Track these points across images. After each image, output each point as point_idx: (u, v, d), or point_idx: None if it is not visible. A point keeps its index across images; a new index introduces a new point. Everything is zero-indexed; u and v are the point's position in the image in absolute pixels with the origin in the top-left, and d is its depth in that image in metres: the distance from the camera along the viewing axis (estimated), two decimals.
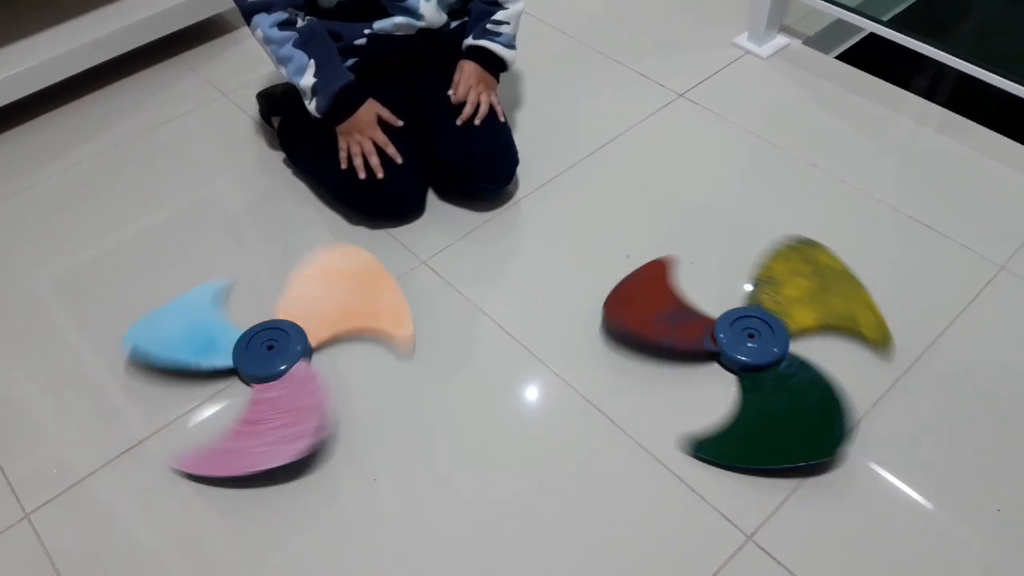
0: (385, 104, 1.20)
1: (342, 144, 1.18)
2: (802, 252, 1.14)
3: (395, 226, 1.22)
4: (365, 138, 1.17)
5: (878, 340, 1.04)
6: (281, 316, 1.08)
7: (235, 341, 1.05)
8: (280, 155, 1.35)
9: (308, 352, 1.06)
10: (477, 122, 1.21)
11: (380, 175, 1.17)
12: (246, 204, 1.30)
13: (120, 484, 0.96)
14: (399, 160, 1.17)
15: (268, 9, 1.14)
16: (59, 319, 1.14)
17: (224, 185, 1.33)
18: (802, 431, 0.95)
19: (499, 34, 1.24)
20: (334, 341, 1.08)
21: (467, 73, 1.23)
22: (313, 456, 0.96)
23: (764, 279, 1.11)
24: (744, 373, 1.01)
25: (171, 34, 1.52)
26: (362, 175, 1.17)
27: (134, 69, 1.54)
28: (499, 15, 1.24)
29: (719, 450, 0.95)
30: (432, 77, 1.25)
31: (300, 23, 1.15)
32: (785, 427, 0.96)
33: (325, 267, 1.16)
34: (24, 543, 0.91)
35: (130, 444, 0.99)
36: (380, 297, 1.12)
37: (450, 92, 1.23)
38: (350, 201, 1.23)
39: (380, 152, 1.18)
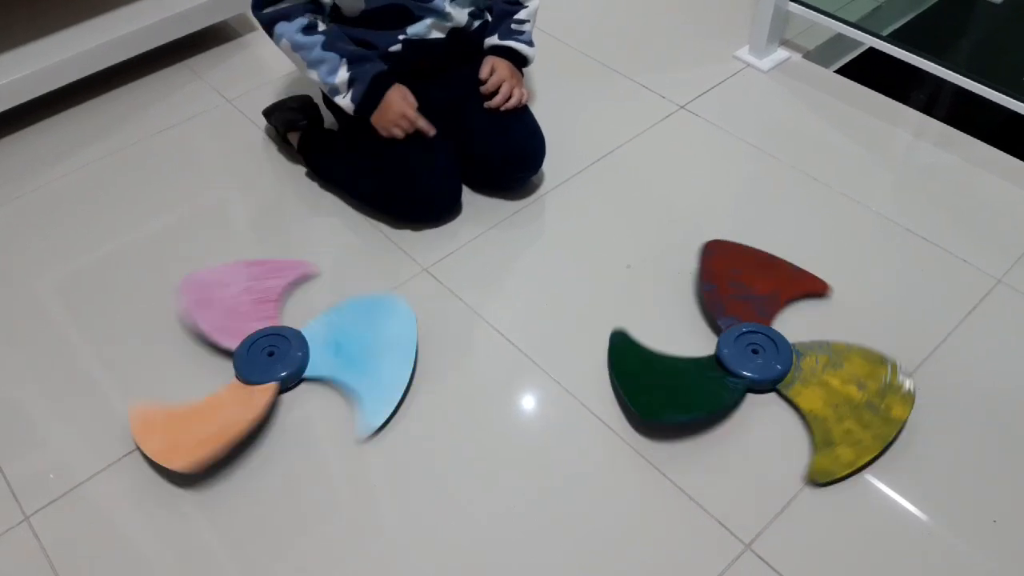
0: (420, 109, 1.21)
1: (384, 134, 1.18)
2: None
3: (429, 227, 1.23)
4: (399, 118, 1.17)
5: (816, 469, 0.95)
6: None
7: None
8: (284, 161, 1.35)
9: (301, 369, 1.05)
10: (509, 107, 1.23)
11: (432, 133, 1.18)
12: (249, 209, 1.31)
13: (120, 488, 0.96)
14: (432, 132, 1.18)
15: (288, 17, 1.16)
16: (61, 322, 1.15)
17: (228, 190, 1.33)
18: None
19: (521, 33, 1.28)
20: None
21: (500, 68, 1.25)
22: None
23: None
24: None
25: (176, 39, 1.53)
26: (400, 135, 1.17)
27: (139, 74, 1.55)
28: (521, 14, 1.28)
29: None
30: (463, 78, 1.27)
31: (322, 27, 1.17)
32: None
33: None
34: (24, 546, 0.91)
35: (131, 448, 0.99)
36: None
37: (482, 86, 1.24)
38: (384, 205, 1.23)
39: (418, 155, 1.19)
